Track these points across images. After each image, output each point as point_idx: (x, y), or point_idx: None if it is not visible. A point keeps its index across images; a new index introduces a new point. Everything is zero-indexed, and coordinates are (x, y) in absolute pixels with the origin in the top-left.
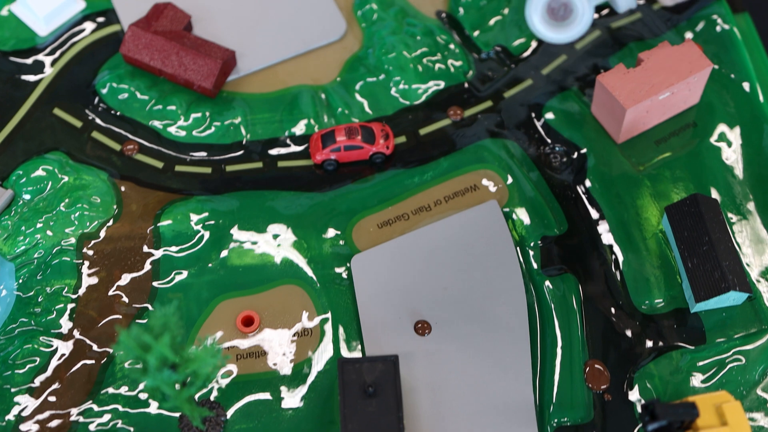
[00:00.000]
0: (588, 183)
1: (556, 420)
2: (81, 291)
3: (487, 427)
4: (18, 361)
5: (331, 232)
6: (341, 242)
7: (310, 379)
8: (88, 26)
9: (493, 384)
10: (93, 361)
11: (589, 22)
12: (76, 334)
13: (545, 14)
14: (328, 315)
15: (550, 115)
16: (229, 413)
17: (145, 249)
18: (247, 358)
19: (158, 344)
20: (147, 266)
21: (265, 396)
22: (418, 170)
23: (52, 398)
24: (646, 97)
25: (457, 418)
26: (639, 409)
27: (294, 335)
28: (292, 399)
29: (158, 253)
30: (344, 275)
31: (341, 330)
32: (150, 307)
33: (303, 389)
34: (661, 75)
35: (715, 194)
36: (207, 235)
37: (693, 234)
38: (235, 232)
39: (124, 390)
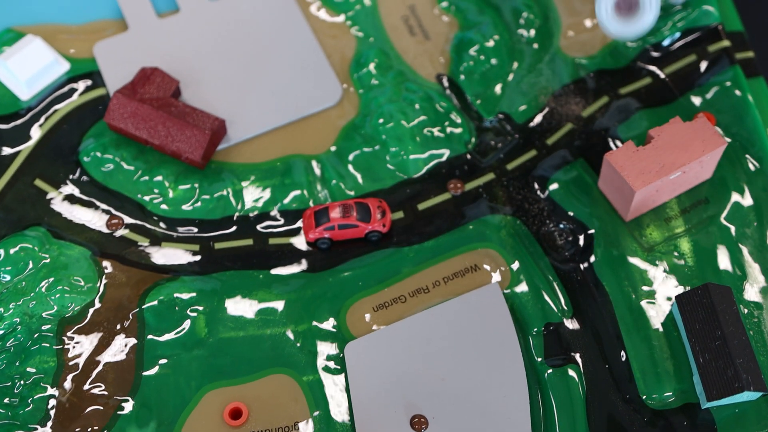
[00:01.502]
0: (594, 265)
1: None
2: (61, 380)
3: None
4: None
5: (324, 316)
6: (333, 327)
7: None
8: (73, 89)
9: None
10: None
11: (657, 14)
12: (56, 429)
13: (613, 10)
14: (319, 409)
15: (554, 186)
16: None
17: (128, 335)
18: None
19: None
20: (130, 353)
21: None
22: (415, 248)
23: None
24: (656, 179)
25: None
26: None
27: (284, 429)
28: None
29: (142, 340)
30: (336, 367)
31: (334, 424)
32: (131, 400)
33: None
34: (673, 154)
35: (728, 276)
36: (193, 318)
37: (705, 327)
38: (223, 315)
39: None
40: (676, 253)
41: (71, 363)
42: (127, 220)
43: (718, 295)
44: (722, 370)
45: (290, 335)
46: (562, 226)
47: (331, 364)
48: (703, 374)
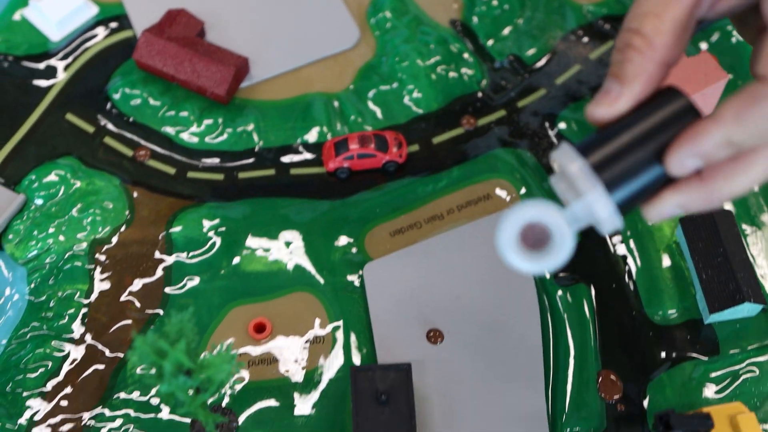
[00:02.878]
0: None
1: (568, 429)
2: (93, 296)
3: None
4: (30, 365)
5: (344, 240)
6: (354, 250)
7: (322, 386)
8: (101, 32)
9: (505, 393)
10: (104, 366)
11: (570, 250)
12: (88, 339)
13: (519, 243)
14: (340, 323)
15: (563, 125)
16: (241, 419)
17: (157, 255)
18: (258, 365)
19: (174, 351)
20: (159, 272)
21: (277, 403)
22: (431, 179)
23: (64, 402)
24: None
25: (470, 427)
26: (653, 420)
27: (306, 342)
28: (303, 406)
29: (170, 259)
30: (357, 283)
31: (353, 337)
32: (161, 313)
33: (315, 396)
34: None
35: (729, 206)
36: (219, 241)
37: (707, 246)
38: (247, 239)
39: (135, 395)
40: None
41: (103, 280)
42: (154, 150)
43: (721, 217)
44: (724, 285)
45: (311, 258)
46: None
47: (351, 284)
48: (706, 289)
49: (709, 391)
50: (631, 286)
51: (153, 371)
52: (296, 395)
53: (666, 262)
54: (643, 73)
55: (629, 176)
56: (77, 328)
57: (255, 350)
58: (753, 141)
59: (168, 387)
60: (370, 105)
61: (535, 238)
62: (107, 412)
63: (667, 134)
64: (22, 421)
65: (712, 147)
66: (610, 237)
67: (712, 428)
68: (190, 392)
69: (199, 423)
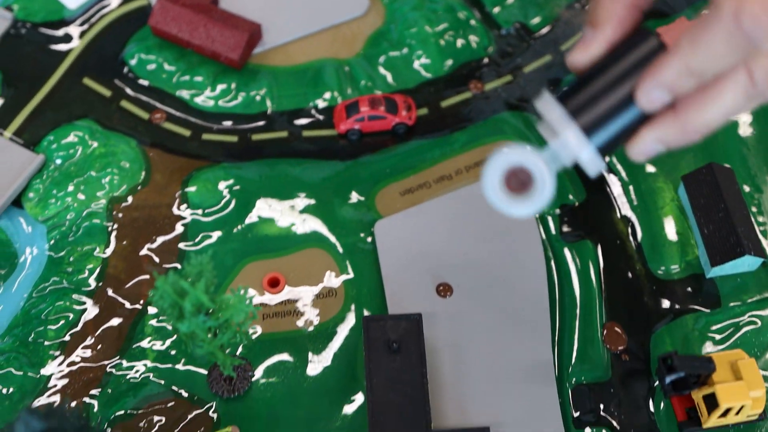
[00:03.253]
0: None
1: (574, 379)
2: (111, 252)
3: (508, 384)
4: (50, 317)
5: (355, 199)
6: (365, 209)
7: (334, 338)
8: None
9: (513, 344)
10: (123, 318)
11: (552, 194)
12: (107, 292)
13: (503, 186)
14: (352, 278)
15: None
16: (256, 371)
17: (173, 213)
18: (273, 318)
19: (194, 290)
20: (175, 229)
21: (290, 354)
22: (439, 141)
23: (84, 352)
24: None
25: (479, 376)
26: (656, 368)
27: (319, 296)
28: (317, 357)
29: (186, 217)
30: (368, 240)
31: (365, 291)
32: (179, 267)
33: (327, 347)
34: None
35: (731, 160)
36: (233, 200)
37: (709, 201)
38: (261, 199)
39: (154, 346)
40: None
41: (120, 237)
42: (170, 113)
43: (722, 174)
44: (725, 238)
45: (323, 216)
46: None
47: (362, 241)
48: (708, 243)
49: (711, 342)
50: (635, 243)
51: (173, 312)
52: (309, 347)
53: (669, 219)
54: (614, 16)
55: (605, 117)
56: (96, 283)
57: (269, 304)
58: (711, 65)
59: (188, 326)
60: (381, 70)
61: (519, 182)
62: (126, 362)
63: (639, 73)
64: (44, 371)
65: (674, 76)
66: (615, 195)
67: (714, 371)
68: (210, 335)
69: (217, 370)
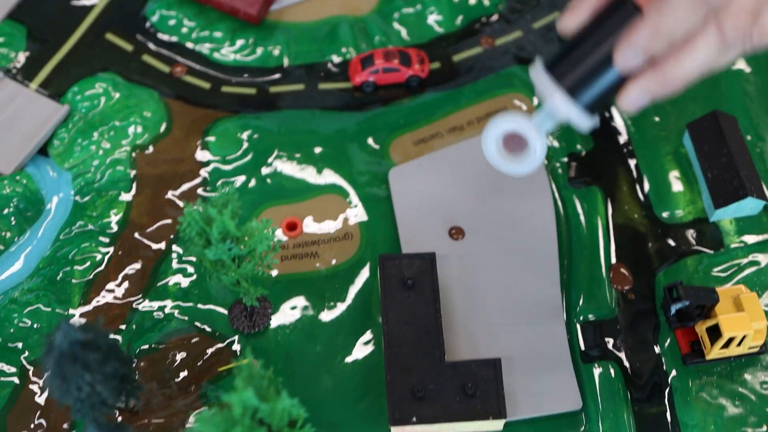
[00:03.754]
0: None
1: (582, 317)
2: (134, 197)
3: (518, 321)
4: (77, 258)
5: (370, 148)
6: (379, 158)
7: (350, 278)
8: None
9: (523, 284)
10: (147, 259)
11: (544, 153)
12: (131, 235)
13: (501, 147)
14: (367, 221)
15: None
16: (275, 309)
17: (194, 160)
18: (291, 260)
19: (221, 216)
20: (196, 176)
21: (308, 293)
22: (451, 93)
23: (109, 291)
24: None
25: (489, 314)
26: (662, 300)
27: (335, 239)
28: (333, 296)
29: (206, 164)
30: (382, 186)
31: (380, 235)
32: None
33: (343, 287)
34: None
35: (734, 110)
36: (252, 149)
37: (713, 148)
38: (279, 148)
39: (176, 285)
40: (687, 96)
41: (144, 183)
42: (190, 66)
43: (725, 121)
44: (728, 182)
45: (339, 163)
46: None
47: (376, 187)
48: (711, 187)
49: (713, 282)
50: (641, 189)
51: (200, 241)
52: (326, 287)
53: (673, 166)
54: None
55: (588, 78)
56: (120, 226)
57: (287, 246)
58: (678, 28)
59: (215, 253)
60: (395, 26)
61: (516, 144)
62: (149, 301)
63: (617, 37)
64: (72, 309)
65: (646, 40)
66: (621, 144)
67: (717, 302)
68: (234, 265)
69: (238, 307)
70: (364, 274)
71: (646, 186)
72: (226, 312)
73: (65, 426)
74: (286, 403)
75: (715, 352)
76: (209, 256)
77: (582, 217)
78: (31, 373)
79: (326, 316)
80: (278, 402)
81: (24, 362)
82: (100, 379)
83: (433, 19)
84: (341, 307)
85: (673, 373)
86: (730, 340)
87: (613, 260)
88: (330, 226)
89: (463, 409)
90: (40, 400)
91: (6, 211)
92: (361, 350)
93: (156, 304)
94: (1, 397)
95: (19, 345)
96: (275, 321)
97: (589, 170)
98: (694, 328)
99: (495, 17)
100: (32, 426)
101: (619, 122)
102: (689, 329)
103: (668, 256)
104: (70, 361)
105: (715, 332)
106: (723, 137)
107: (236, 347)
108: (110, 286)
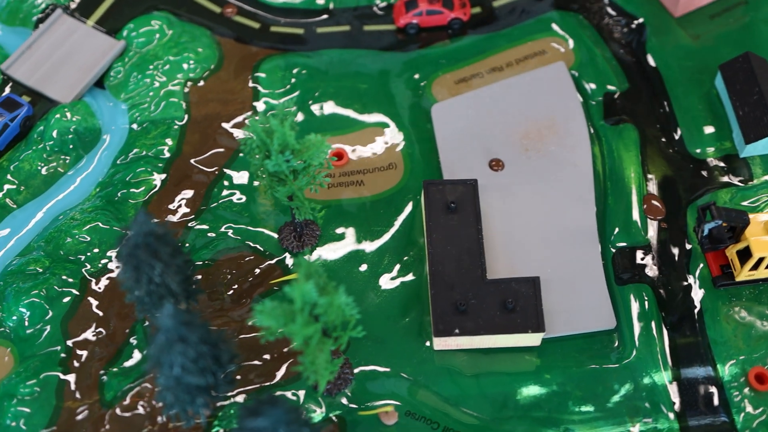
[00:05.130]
0: (648, 49)
1: (616, 243)
2: (188, 126)
3: (555, 245)
4: (133, 181)
5: (413, 85)
6: (422, 95)
7: (394, 204)
8: None
9: (560, 212)
10: (200, 184)
11: None
12: (185, 161)
13: None
14: (411, 152)
15: None
16: (323, 232)
17: (245, 94)
18: (337, 187)
19: (282, 127)
20: (247, 108)
21: (354, 218)
22: (491, 36)
23: (165, 212)
24: None
25: (527, 239)
26: (695, 221)
27: (380, 168)
28: (378, 221)
29: (257, 98)
30: (425, 120)
31: (422, 165)
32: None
33: (387, 212)
34: None
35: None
36: (300, 85)
37: (744, 87)
38: (326, 84)
39: (229, 208)
40: (719, 42)
41: (197, 114)
42: (241, 7)
43: (757, 62)
44: (759, 118)
45: (383, 99)
46: (620, 20)
47: (420, 121)
48: (742, 124)
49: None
50: (674, 126)
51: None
52: (370, 212)
53: (706, 105)
54: None
55: None
56: (174, 153)
57: (334, 175)
58: None
59: (274, 164)
60: None
61: None
62: (202, 222)
63: None
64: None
65: None
66: (655, 85)
67: (748, 224)
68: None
69: (288, 228)
70: (407, 201)
71: (679, 124)
72: (274, 234)
73: (126, 331)
74: (343, 299)
75: (744, 274)
76: (268, 167)
77: (617, 152)
78: (92, 284)
79: (370, 238)
80: (336, 297)
81: (85, 274)
82: (170, 273)
83: None
84: (385, 231)
85: (703, 294)
86: (760, 261)
87: (647, 191)
88: (375, 157)
89: (504, 323)
90: (99, 311)
91: (65, 137)
92: (403, 271)
93: (208, 225)
94: (63, 305)
95: (81, 258)
96: (323, 241)
97: (624, 109)
98: (725, 252)
99: None
100: (91, 333)
101: (653, 65)
102: (720, 253)
103: (699, 189)
104: (144, 251)
105: (745, 256)
106: (755, 77)
107: (288, 263)
108: (165, 207)
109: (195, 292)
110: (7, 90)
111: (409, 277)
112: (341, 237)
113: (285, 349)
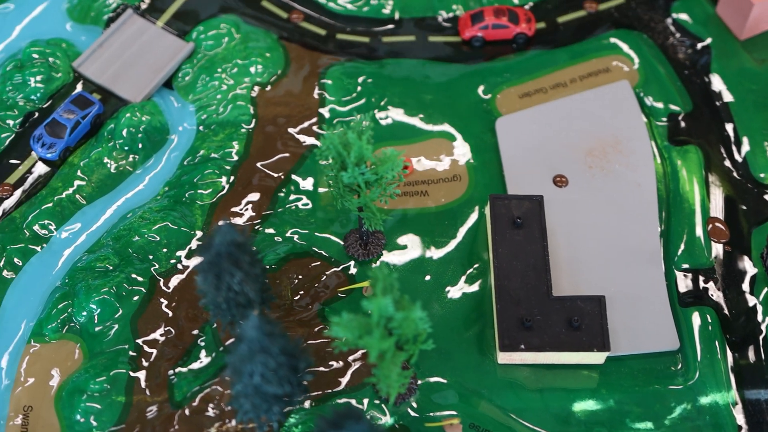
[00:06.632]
0: (712, 70)
1: (680, 265)
2: (255, 130)
3: (619, 264)
4: (200, 183)
5: (477, 99)
6: (486, 107)
7: (458, 216)
8: None
9: (623, 231)
10: (266, 187)
11: None
12: (251, 164)
13: None
14: (475, 165)
15: (678, 15)
16: (388, 241)
17: (312, 99)
18: (403, 197)
19: (360, 141)
20: (313, 114)
21: (419, 228)
22: (556, 52)
23: (231, 214)
24: None
25: (591, 257)
26: (760, 252)
27: (444, 179)
28: (442, 232)
29: (323, 104)
30: (489, 134)
31: (487, 178)
32: (319, 144)
33: (451, 224)
34: None
35: None
36: (366, 93)
37: None
38: (391, 93)
39: (294, 213)
40: None
41: (264, 118)
42: (307, 13)
43: None
44: None
45: (447, 111)
46: (684, 40)
47: (484, 134)
48: None
49: None
50: (738, 150)
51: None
52: (435, 223)
53: None
54: None
55: None
56: (241, 156)
57: (399, 184)
58: None
59: (350, 176)
60: None
61: None
62: (269, 226)
63: None
64: (196, 228)
65: None
66: (720, 107)
67: None
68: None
69: (353, 235)
70: (471, 213)
71: (744, 147)
72: (339, 240)
73: (194, 332)
74: (418, 313)
75: None
76: (344, 180)
77: (681, 173)
78: (161, 284)
79: (435, 249)
80: (412, 311)
81: (154, 273)
82: (249, 281)
83: None
84: (449, 243)
85: None
86: None
87: (711, 214)
88: (439, 168)
89: (569, 341)
90: (168, 310)
91: (135, 136)
92: (467, 283)
93: (274, 229)
94: (133, 303)
95: (150, 257)
96: (388, 251)
97: (689, 129)
98: None
99: None
100: (160, 333)
101: (717, 87)
102: None
103: (764, 214)
104: (226, 260)
105: None
106: None
107: (352, 272)
108: (232, 209)
109: (268, 299)
110: (79, 87)
111: (472, 288)
112: (405, 246)
113: (350, 358)
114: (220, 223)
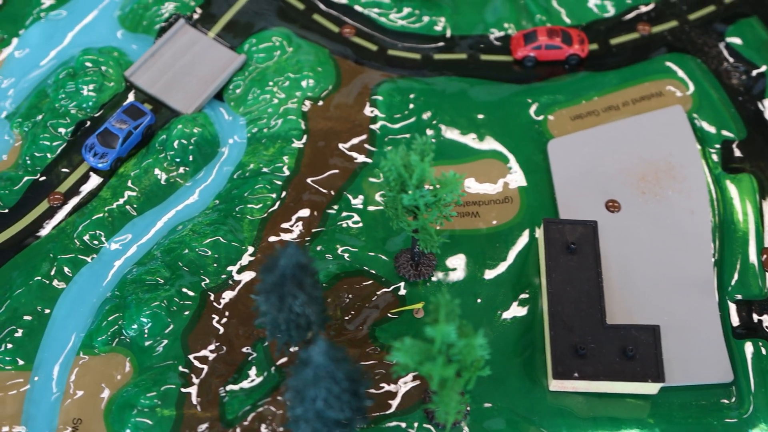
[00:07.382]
0: (766, 97)
1: (734, 295)
2: (306, 145)
3: (672, 293)
4: (251, 197)
5: (529, 119)
6: (538, 129)
7: (509, 238)
8: None
9: (677, 259)
10: (317, 203)
11: None
12: (302, 180)
13: None
14: (527, 186)
15: (732, 39)
16: (440, 261)
17: (363, 116)
18: (455, 218)
19: (423, 164)
20: (365, 130)
21: (470, 249)
22: (608, 74)
23: (283, 231)
24: None
25: (644, 284)
26: None
27: (496, 201)
28: (493, 255)
29: (374, 121)
30: (540, 156)
31: (538, 201)
32: (370, 161)
33: (502, 246)
34: None
35: None
36: (417, 110)
37: None
38: (442, 111)
39: (345, 231)
40: None
41: (315, 133)
42: (359, 28)
43: None
44: None
45: (498, 131)
46: (738, 66)
47: (535, 156)
48: None
49: None
50: None
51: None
52: (486, 244)
53: None
54: None
55: None
56: (292, 171)
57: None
58: None
59: (411, 198)
60: (555, 6)
61: None
62: (319, 243)
63: None
64: (247, 243)
65: None
66: None
67: None
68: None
69: (404, 256)
70: (523, 236)
71: None
72: (390, 260)
73: (244, 350)
74: (479, 341)
75: None
76: (405, 202)
77: (735, 201)
78: (212, 299)
79: (486, 272)
80: (474, 338)
81: (204, 288)
82: (312, 303)
83: (593, 2)
84: (500, 266)
85: None
86: None
87: (765, 245)
88: (490, 189)
89: (623, 370)
90: (219, 326)
91: (186, 148)
92: (518, 308)
93: (324, 247)
94: (183, 318)
95: (201, 271)
96: (439, 271)
97: (743, 157)
98: None
99: (651, 5)
100: (211, 349)
101: None
102: None
103: None
104: (290, 282)
105: None
106: None
107: (402, 292)
108: (283, 225)
109: (325, 320)
110: (130, 97)
111: (523, 312)
112: (455, 268)
113: (401, 381)
114: (285, 244)
